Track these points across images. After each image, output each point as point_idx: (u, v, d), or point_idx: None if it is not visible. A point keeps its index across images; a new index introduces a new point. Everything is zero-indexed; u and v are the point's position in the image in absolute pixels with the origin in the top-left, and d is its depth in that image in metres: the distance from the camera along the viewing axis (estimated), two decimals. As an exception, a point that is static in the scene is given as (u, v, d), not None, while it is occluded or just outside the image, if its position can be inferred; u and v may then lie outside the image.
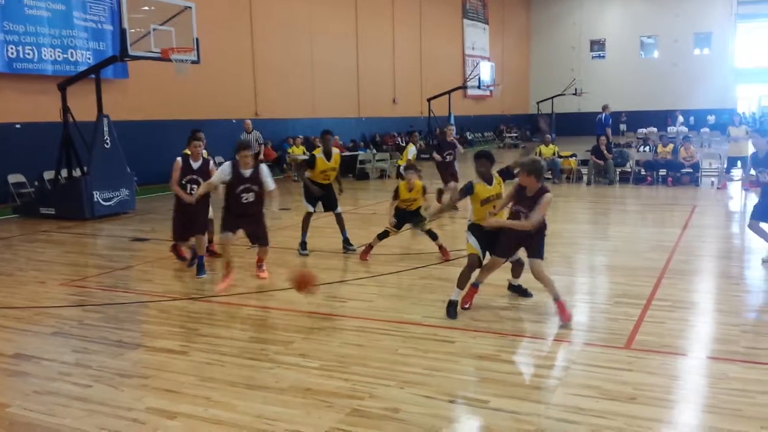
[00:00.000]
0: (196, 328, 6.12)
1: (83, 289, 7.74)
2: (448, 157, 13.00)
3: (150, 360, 5.35)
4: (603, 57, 45.13)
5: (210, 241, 9.12)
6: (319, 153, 9.33)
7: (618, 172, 17.66)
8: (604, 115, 19.51)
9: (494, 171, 6.55)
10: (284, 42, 23.74)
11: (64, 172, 13.97)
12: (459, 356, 5.27)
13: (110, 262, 9.08)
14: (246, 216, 7.55)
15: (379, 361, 5.17)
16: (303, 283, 6.48)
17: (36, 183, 15.63)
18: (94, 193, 12.98)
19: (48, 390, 4.79)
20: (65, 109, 13.29)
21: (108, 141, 13.29)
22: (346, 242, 9.51)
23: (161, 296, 7.36)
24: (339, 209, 9.61)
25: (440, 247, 8.86)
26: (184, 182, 7.97)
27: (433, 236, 8.89)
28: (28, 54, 15.39)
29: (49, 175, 15.06)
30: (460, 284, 6.35)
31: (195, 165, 8.03)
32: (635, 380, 4.70)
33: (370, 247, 8.97)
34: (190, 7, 13.24)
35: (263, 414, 4.29)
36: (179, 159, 8.08)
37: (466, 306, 6.41)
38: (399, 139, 30.25)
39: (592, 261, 8.98)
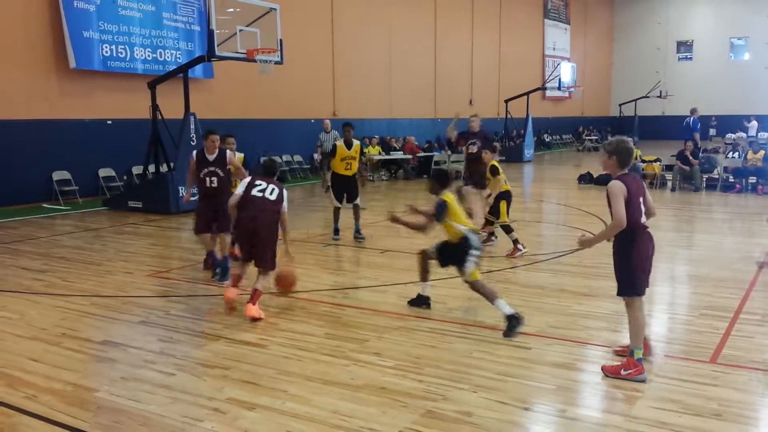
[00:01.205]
0: (275, 323, 6.28)
1: (168, 281, 8.06)
2: (471, 147, 11.16)
3: (230, 351, 5.52)
4: (690, 59, 43.46)
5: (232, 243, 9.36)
6: (340, 142, 10.54)
7: (705, 179, 16.97)
8: (692, 118, 18.81)
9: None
10: (363, 43, 23.99)
11: (151, 168, 14.58)
12: (534, 363, 5.20)
13: (193, 255, 9.41)
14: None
15: (452, 363, 5.16)
16: (283, 284, 6.79)
17: (125, 177, 16.39)
18: (180, 188, 13.48)
19: (134, 377, 5.02)
20: (154, 107, 13.87)
21: (194, 138, 13.77)
22: (357, 232, 10.53)
23: (241, 290, 7.56)
24: (358, 201, 10.68)
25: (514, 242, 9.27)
26: (202, 175, 8.07)
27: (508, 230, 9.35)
28: (121, 53, 16.14)
29: (137, 170, 15.76)
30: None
31: (210, 157, 8.09)
32: (721, 396, 4.52)
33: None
34: (275, 9, 13.55)
35: (339, 410, 4.36)
36: (194, 153, 8.32)
37: None
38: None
39: (675, 270, 8.67)
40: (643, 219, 4.86)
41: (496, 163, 9.56)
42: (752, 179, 16.25)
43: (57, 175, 15.08)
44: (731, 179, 16.64)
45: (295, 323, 6.27)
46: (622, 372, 4.81)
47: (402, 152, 21.86)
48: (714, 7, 42.34)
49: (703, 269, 8.46)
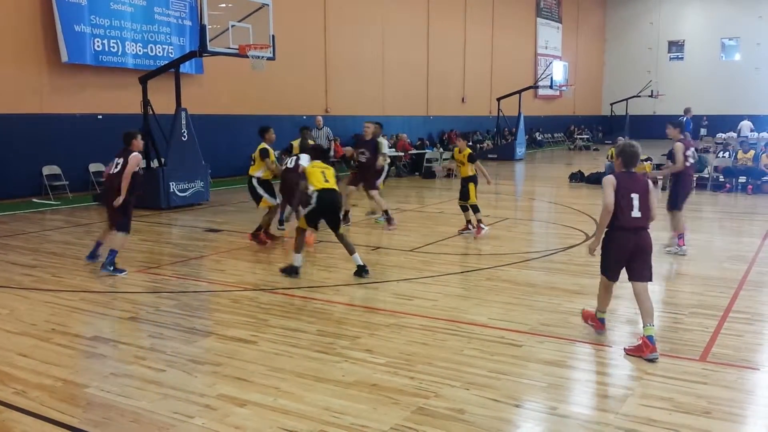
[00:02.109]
0: (266, 319, 6.27)
1: (159, 277, 8.03)
2: (361, 156, 11.38)
3: (221, 348, 5.51)
4: (681, 59, 43.65)
5: (260, 228, 9.88)
6: (296, 143, 11.26)
7: (695, 178, 17.04)
8: (685, 118, 18.87)
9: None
10: (356, 40, 23.95)
11: (142, 163, 14.49)
12: (526, 360, 5.21)
13: (184, 252, 9.38)
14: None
15: (444, 360, 5.17)
16: None
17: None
18: (171, 184, 13.43)
19: (124, 372, 5.00)
20: (145, 102, 13.79)
21: (185, 134, 13.72)
22: (280, 222, 10.98)
23: (233, 286, 7.56)
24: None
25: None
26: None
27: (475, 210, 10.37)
28: (113, 47, 16.04)
29: (128, 165, 15.64)
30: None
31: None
32: (710, 394, 4.55)
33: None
34: (267, 5, 13.50)
35: (330, 407, 4.36)
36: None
37: None
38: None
39: (665, 269, 8.71)
40: (635, 214, 5.33)
41: (470, 150, 10.64)
42: (742, 179, 16.34)
43: (47, 170, 14.99)
44: (721, 179, 16.74)
45: (287, 320, 6.26)
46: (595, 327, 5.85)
47: (394, 149, 21.85)
48: (705, 7, 42.54)
49: (693, 268, 8.50)
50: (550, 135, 38.39)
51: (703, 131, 36.52)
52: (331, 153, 18.54)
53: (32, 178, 14.82)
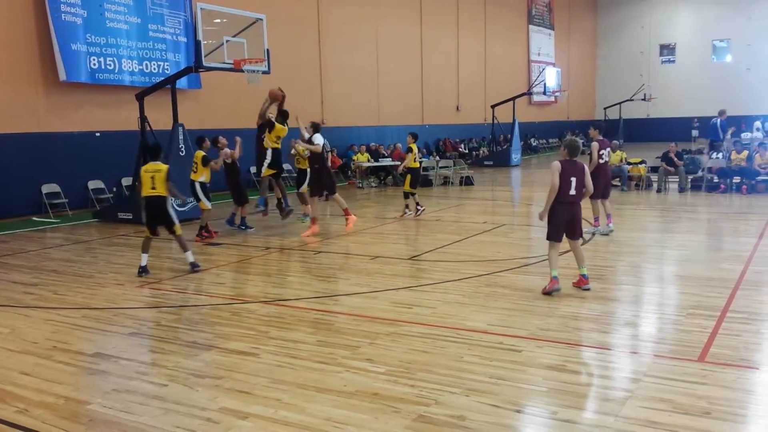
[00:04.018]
0: (266, 331, 6.30)
1: (159, 292, 8.06)
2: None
3: (223, 361, 5.54)
4: (673, 62, 43.88)
5: (202, 228, 11.54)
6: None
7: (690, 180, 17.14)
8: (719, 120, 18.89)
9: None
10: (350, 51, 24.07)
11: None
12: (525, 365, 5.24)
13: (184, 266, 9.41)
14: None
15: (444, 368, 5.20)
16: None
17: (114, 189, 16.34)
18: (170, 199, 13.42)
19: (126, 388, 5.02)
20: (143, 118, 13.84)
21: (183, 149, 13.77)
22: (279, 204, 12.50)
23: (233, 299, 7.59)
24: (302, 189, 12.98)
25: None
26: None
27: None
28: (109, 65, 16.12)
29: (126, 181, 15.74)
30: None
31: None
32: (709, 394, 4.58)
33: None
34: (262, 19, 13.59)
35: (332, 417, 4.39)
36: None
37: None
38: (462, 146, 30.21)
39: (662, 271, 8.76)
40: (572, 192, 7.26)
41: (413, 146, 13.42)
42: (736, 179, 16.41)
43: (46, 188, 15.03)
44: (716, 179, 16.81)
45: (287, 331, 6.29)
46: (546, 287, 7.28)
47: (390, 159, 21.93)
48: (696, 10, 42.78)
49: (689, 269, 8.54)
50: (545, 140, 38.51)
51: (695, 133, 36.60)
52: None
53: (32, 197, 14.86)
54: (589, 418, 4.35)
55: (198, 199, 11.63)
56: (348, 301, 7.37)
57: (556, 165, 7.22)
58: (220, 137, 12.47)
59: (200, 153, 11.57)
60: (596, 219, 11.00)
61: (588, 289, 7.29)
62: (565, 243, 7.55)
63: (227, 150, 12.10)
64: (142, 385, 5.07)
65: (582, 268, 7.41)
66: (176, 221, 9.01)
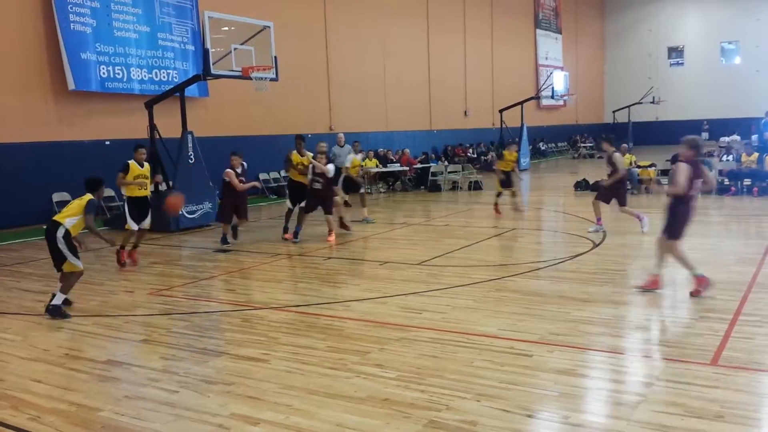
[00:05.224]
0: (277, 337, 6.30)
1: (170, 299, 8.09)
2: (316, 184, 11.54)
3: (233, 367, 5.55)
4: (681, 64, 43.76)
5: (122, 247, 10.30)
6: (293, 152, 11.88)
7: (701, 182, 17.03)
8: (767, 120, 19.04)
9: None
10: (357, 57, 24.13)
11: (151, 187, 14.58)
12: (536, 370, 5.22)
13: (195, 273, 9.44)
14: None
15: (454, 373, 5.19)
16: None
17: (125, 197, 16.37)
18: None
19: (137, 395, 5.04)
20: (152, 126, 13.93)
21: (192, 156, 13.83)
22: (295, 234, 11.69)
23: (243, 305, 7.61)
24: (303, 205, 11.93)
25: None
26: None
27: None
28: (118, 74, 16.23)
29: (136, 189, 15.76)
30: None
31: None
32: (722, 398, 4.55)
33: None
34: (269, 27, 13.66)
35: (343, 423, 4.38)
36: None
37: None
38: (471, 151, 30.19)
39: (673, 274, 8.71)
40: (694, 192, 7.25)
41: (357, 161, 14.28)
42: (747, 181, 16.32)
43: (57, 197, 15.09)
44: (726, 182, 16.72)
45: (297, 337, 6.29)
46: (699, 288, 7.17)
47: (399, 164, 21.94)
48: (704, 12, 42.67)
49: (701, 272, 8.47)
50: (553, 144, 38.46)
51: (705, 135, 36.37)
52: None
53: (43, 206, 14.92)
54: (601, 422, 4.33)
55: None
56: (358, 306, 7.37)
57: (685, 167, 7.11)
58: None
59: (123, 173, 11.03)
60: (599, 219, 11.74)
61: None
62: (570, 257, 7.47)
63: (229, 170, 11.55)
64: (154, 391, 5.08)
65: (694, 269, 7.34)
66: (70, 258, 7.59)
